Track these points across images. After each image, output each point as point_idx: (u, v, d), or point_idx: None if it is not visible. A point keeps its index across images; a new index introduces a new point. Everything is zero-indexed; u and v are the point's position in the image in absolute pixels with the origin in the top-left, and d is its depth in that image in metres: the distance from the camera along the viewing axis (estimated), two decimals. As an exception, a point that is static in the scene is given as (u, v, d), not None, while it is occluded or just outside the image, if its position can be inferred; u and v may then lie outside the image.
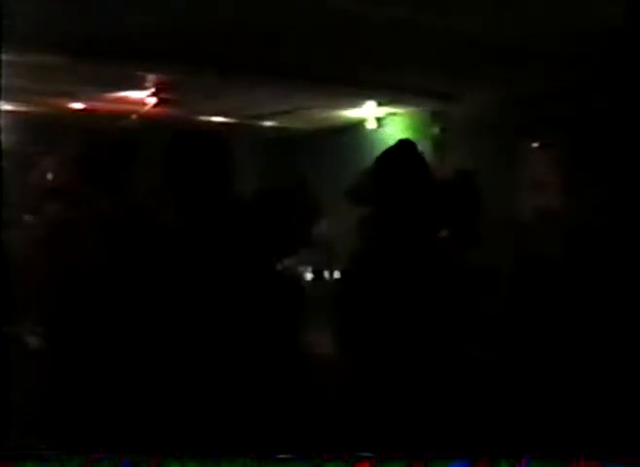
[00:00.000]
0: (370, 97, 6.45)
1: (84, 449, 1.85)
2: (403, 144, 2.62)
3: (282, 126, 7.80)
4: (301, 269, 5.80)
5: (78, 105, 6.49)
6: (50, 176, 3.57)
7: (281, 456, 1.81)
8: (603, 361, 2.78)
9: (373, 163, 2.57)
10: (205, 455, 1.82)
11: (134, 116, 6.59)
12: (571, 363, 2.81)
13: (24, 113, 6.48)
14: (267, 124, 7.66)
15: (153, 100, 5.94)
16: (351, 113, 7.05)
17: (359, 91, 6.12)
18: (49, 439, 2.27)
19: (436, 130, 6.63)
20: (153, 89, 5.78)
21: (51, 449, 1.86)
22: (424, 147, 5.34)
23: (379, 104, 6.64)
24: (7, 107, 5.94)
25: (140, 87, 5.71)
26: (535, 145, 5.71)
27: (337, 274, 6.07)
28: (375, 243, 2.50)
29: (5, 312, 2.45)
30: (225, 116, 7.07)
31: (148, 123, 6.55)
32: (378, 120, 7.13)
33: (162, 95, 5.88)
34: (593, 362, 2.79)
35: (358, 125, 7.27)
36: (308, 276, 6.12)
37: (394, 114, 7.08)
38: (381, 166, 2.52)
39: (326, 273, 6.48)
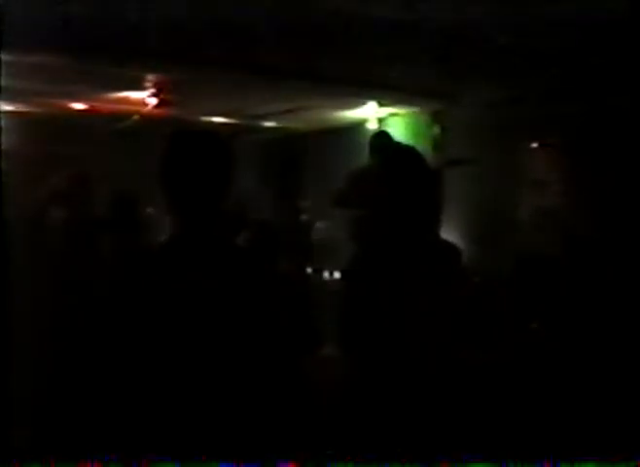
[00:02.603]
0: (371, 98, 6.45)
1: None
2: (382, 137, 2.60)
3: (282, 127, 7.80)
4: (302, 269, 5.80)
5: (78, 105, 6.49)
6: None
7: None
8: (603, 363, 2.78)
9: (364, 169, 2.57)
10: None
11: (135, 116, 6.60)
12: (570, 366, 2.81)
13: (24, 113, 6.48)
14: (268, 124, 7.66)
15: (153, 101, 5.94)
16: (352, 113, 7.04)
17: (360, 92, 6.11)
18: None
19: (436, 130, 6.63)
20: (153, 90, 5.78)
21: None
22: (424, 147, 5.34)
23: (380, 104, 6.63)
24: (7, 107, 5.94)
25: (140, 87, 5.71)
26: (535, 145, 5.71)
27: (337, 274, 6.07)
28: (372, 243, 2.50)
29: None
30: (225, 116, 7.06)
31: (148, 123, 6.55)
32: (380, 120, 7.13)
33: (163, 96, 5.87)
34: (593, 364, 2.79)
35: (359, 126, 7.26)
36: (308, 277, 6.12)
37: (395, 114, 7.07)
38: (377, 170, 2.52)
39: (326, 274, 6.48)
